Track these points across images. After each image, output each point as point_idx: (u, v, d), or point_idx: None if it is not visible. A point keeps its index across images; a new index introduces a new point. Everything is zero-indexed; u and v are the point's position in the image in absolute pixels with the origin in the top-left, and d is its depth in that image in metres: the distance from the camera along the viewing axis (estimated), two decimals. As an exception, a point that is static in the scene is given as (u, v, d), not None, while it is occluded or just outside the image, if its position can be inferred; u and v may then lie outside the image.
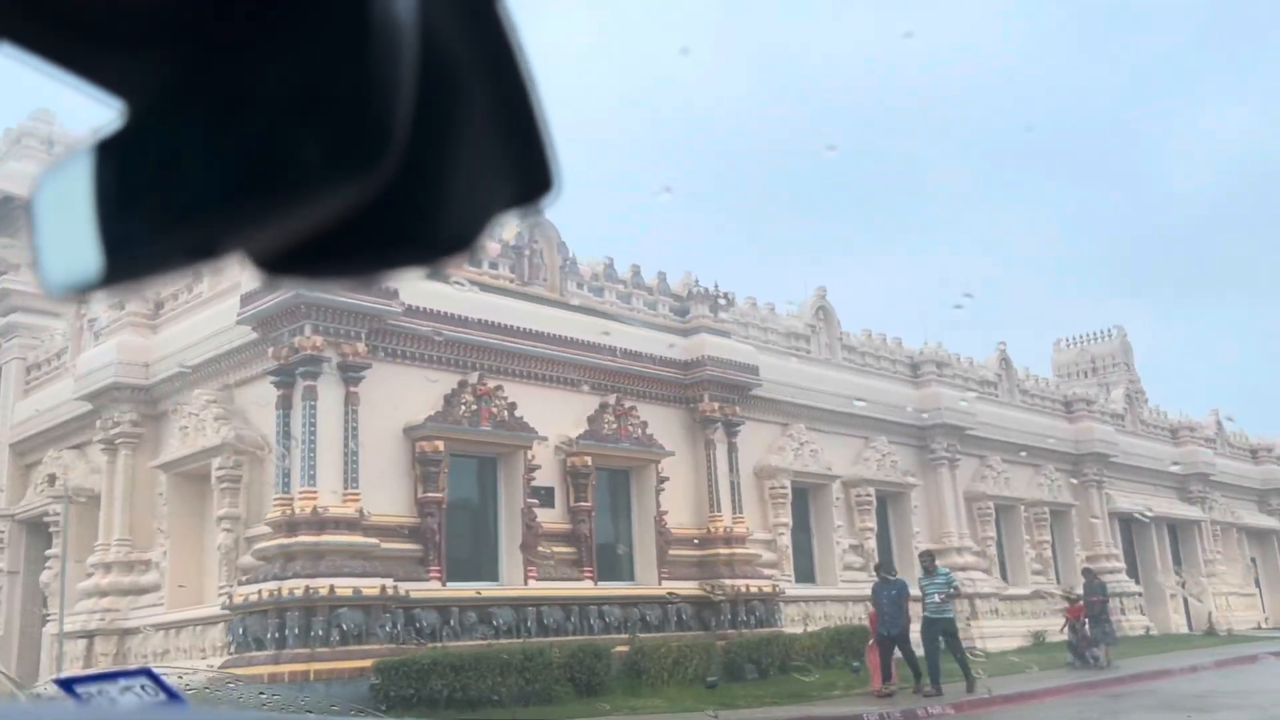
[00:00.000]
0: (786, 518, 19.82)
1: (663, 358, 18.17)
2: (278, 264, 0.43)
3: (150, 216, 0.41)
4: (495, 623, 14.68)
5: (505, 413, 15.65)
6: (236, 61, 0.39)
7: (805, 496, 20.87)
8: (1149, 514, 29.39)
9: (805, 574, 20.37)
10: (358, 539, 13.72)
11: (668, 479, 17.77)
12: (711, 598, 17.49)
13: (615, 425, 17.24)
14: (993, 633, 22.01)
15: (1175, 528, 31.76)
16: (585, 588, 16.10)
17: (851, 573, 20.80)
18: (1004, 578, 24.69)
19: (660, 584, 17.20)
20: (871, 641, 14.90)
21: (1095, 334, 39.88)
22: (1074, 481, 27.77)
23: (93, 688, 1.80)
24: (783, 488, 19.85)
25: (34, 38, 0.39)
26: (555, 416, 16.41)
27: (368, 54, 0.38)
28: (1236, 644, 23.34)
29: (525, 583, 15.44)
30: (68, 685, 1.79)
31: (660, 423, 18.08)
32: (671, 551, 17.54)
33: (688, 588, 17.35)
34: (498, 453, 15.88)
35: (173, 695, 1.86)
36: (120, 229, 0.41)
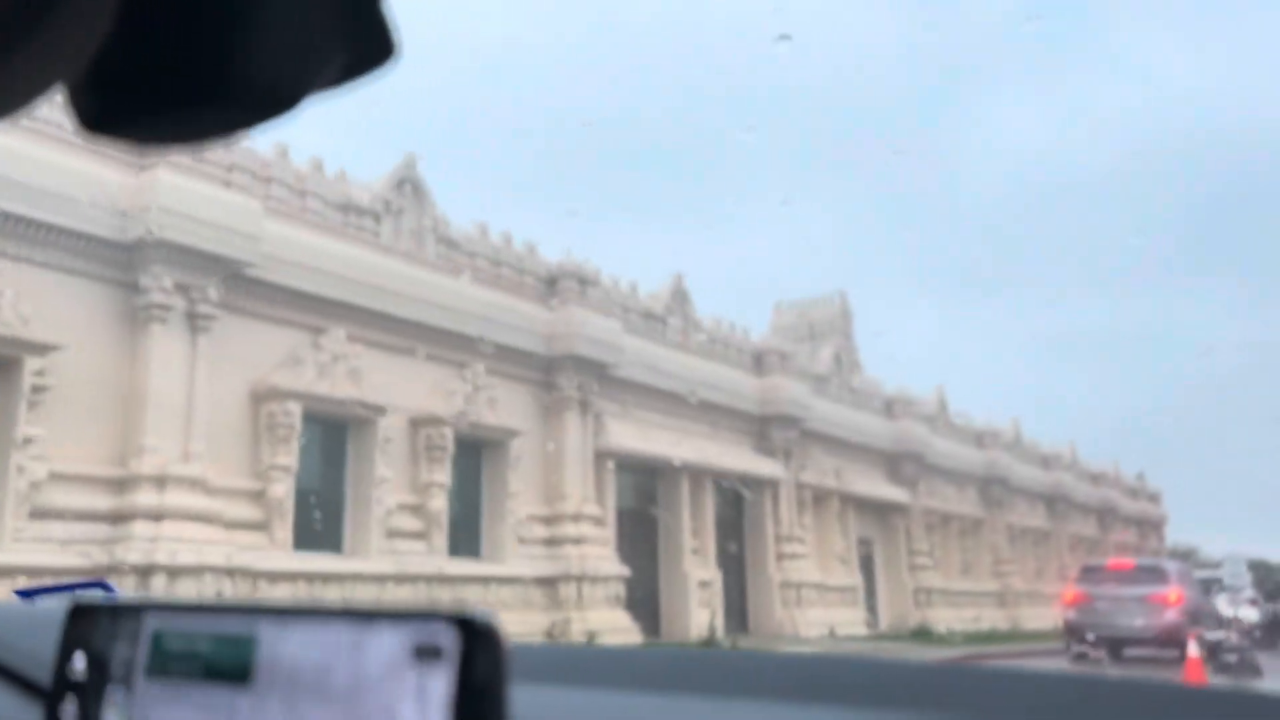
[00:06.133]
0: None
1: None
2: (102, 123, 0.41)
3: None
4: None
5: None
6: None
7: None
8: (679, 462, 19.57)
9: None
10: None
11: None
12: None
13: None
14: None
15: (737, 488, 22.13)
16: None
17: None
18: (337, 546, 13.94)
19: None
20: None
21: (816, 298, 33.73)
22: (554, 400, 17.48)
23: (52, 600, 1.71)
24: None
25: None
26: None
27: None
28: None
29: None
30: (28, 596, 1.74)
31: None
32: None
33: None
34: None
35: None
36: None
